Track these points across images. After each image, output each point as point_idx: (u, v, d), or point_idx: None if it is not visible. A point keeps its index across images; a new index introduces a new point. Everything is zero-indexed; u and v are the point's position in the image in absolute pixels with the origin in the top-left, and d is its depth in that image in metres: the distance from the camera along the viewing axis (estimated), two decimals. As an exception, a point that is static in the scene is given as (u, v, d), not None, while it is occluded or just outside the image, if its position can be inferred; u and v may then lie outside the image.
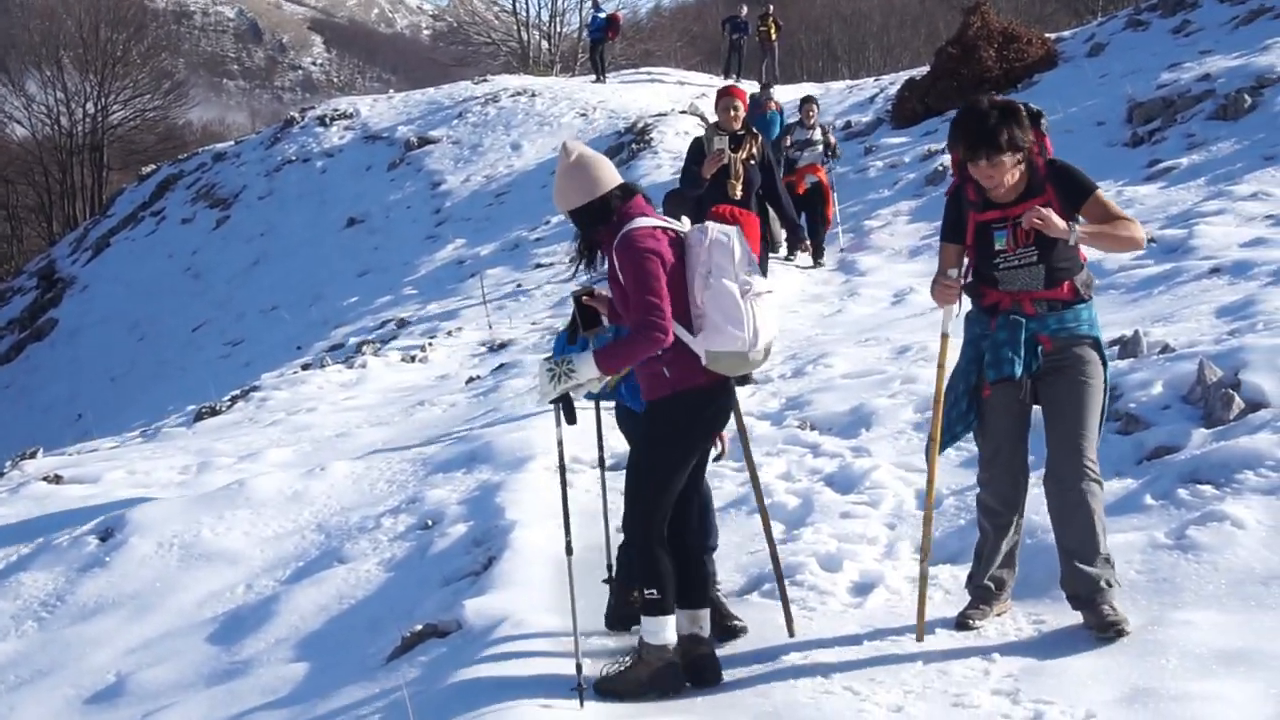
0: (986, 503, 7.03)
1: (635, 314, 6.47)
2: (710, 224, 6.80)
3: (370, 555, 9.74)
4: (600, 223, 6.80)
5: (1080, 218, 6.62)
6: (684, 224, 7.03)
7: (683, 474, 6.75)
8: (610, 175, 6.89)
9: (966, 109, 6.65)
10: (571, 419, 6.73)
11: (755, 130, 12.79)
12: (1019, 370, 6.68)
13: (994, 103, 6.60)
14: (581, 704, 6.41)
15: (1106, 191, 18.00)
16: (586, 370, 6.47)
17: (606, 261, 6.81)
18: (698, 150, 12.45)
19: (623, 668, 6.78)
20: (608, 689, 6.67)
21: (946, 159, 22.97)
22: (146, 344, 34.33)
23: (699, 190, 12.19)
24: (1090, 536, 6.63)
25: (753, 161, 12.47)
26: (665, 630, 6.73)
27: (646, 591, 6.70)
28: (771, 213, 13.12)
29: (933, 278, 7.02)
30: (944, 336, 7.07)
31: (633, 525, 6.73)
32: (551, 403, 6.65)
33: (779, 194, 12.93)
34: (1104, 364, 6.78)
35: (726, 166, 12.22)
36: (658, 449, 6.72)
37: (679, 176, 13.02)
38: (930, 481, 7.14)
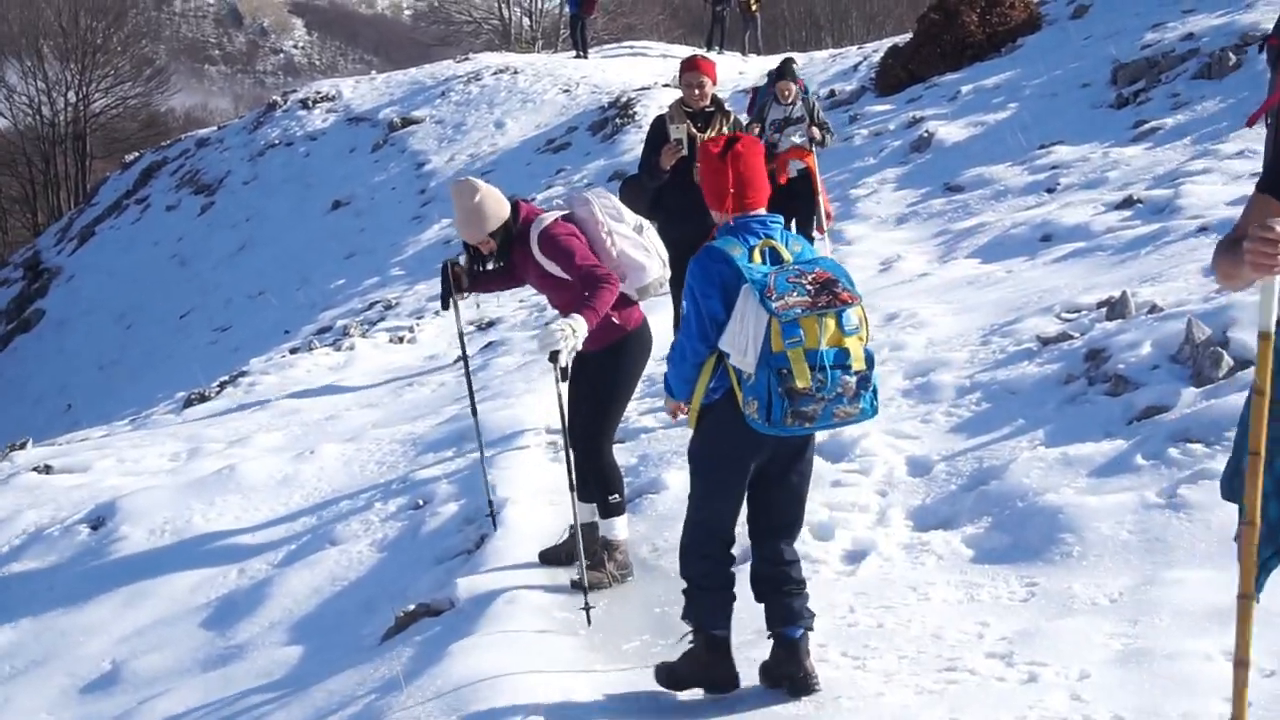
0: None
1: (583, 278, 7.62)
2: (580, 195, 8.18)
3: (362, 536, 9.74)
4: (510, 234, 8.03)
5: None
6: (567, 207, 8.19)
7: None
8: (504, 197, 8.15)
9: None
10: (568, 375, 7.78)
11: (727, 108, 11.49)
12: None
13: None
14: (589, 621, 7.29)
15: (1094, 152, 18.06)
16: (581, 327, 7.32)
17: (521, 262, 8.09)
18: (659, 132, 11.26)
19: (599, 570, 7.95)
20: (587, 585, 7.60)
21: (932, 125, 22.95)
22: (134, 332, 34.22)
23: (658, 181, 11.00)
24: None
25: None
26: (625, 528, 8.12)
27: (610, 496, 7.98)
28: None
29: (1230, 239, 4.35)
30: (1263, 337, 4.12)
31: (601, 450, 8.04)
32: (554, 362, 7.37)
33: None
34: None
35: (691, 151, 10.76)
36: (622, 383, 8.06)
37: (638, 162, 11.69)
38: (1247, 572, 4.27)
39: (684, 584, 6.31)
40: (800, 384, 5.60)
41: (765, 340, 5.64)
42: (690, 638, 6.31)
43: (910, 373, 10.48)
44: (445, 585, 8.26)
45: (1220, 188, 14.45)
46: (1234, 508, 6.32)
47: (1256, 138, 16.20)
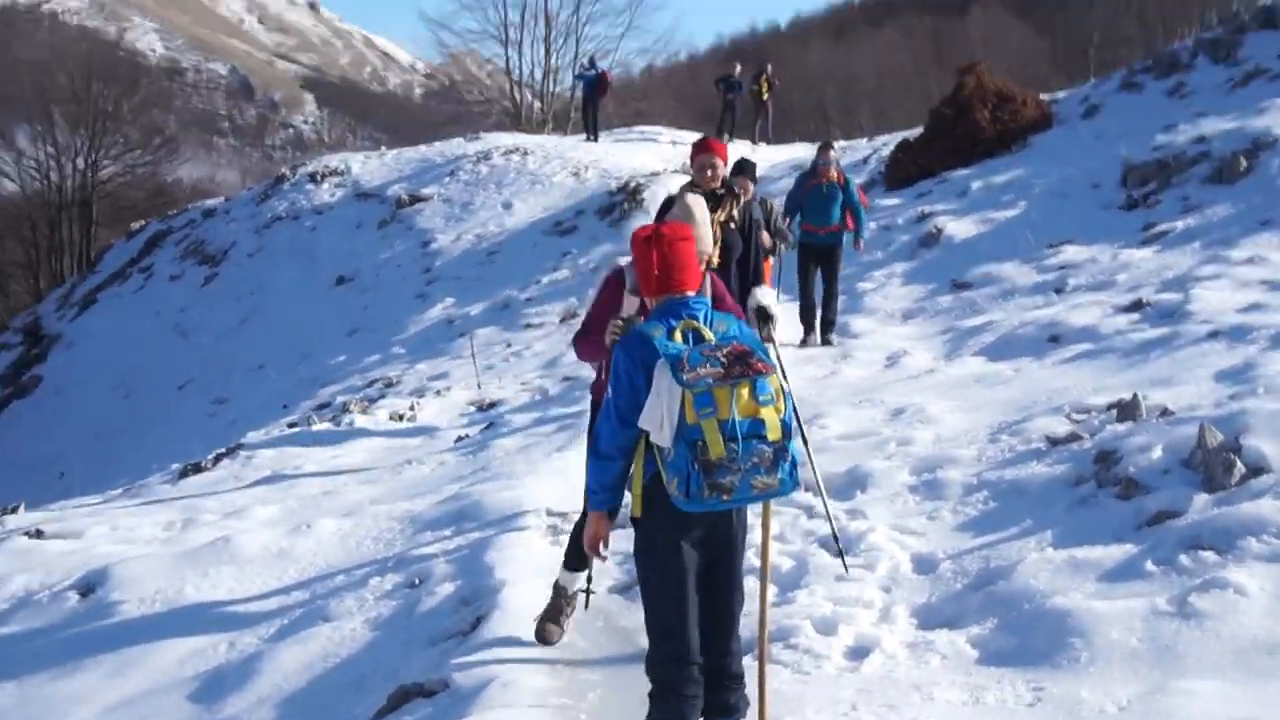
0: None
1: None
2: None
3: (356, 614, 9.60)
4: None
5: None
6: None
7: None
8: None
9: None
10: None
11: (736, 191, 11.21)
12: None
13: None
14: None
15: (1103, 253, 18.04)
16: None
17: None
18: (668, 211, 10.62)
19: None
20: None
21: (941, 220, 22.95)
22: (132, 401, 34.14)
23: None
24: None
25: (733, 225, 10.97)
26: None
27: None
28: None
29: None
30: None
31: None
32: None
33: (748, 266, 11.05)
34: None
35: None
36: None
37: None
38: None
39: (649, 686, 6.19)
40: (714, 454, 5.63)
41: (680, 413, 5.68)
42: None
43: (917, 468, 10.38)
44: (439, 666, 8.13)
45: (1230, 294, 14.42)
46: (1247, 618, 6.24)
47: (1267, 245, 16.20)
